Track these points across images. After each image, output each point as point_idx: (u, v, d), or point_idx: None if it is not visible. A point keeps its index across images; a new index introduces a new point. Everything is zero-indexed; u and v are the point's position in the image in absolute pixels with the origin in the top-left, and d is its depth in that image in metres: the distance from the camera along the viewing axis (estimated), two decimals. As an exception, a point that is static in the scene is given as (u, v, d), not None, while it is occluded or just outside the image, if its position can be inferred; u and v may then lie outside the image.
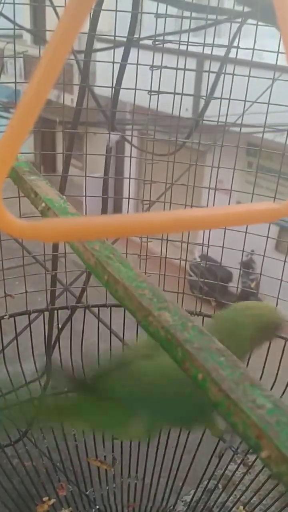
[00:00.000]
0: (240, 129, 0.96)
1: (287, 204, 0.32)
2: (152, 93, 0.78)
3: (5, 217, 0.24)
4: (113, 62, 0.78)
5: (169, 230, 0.29)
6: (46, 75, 0.23)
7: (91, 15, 0.96)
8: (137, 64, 0.78)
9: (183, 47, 0.87)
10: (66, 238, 0.31)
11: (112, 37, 0.93)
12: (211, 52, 0.92)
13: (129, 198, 1.03)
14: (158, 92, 0.78)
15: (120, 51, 1.01)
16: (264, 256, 0.95)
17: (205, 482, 0.94)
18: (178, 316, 0.43)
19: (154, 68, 0.76)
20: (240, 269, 1.33)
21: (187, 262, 1.03)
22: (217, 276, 1.09)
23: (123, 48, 1.00)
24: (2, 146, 0.23)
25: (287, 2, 0.24)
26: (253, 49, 0.84)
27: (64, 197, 0.65)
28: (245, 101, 0.88)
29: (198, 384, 0.38)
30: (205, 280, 1.13)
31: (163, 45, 0.93)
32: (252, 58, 0.84)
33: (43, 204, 0.61)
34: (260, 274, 1.00)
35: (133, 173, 1.01)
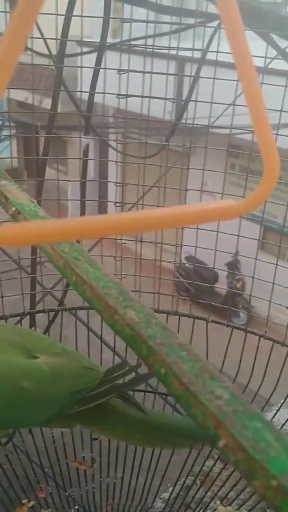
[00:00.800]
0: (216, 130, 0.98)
1: (245, 201, 0.33)
2: (120, 96, 0.79)
3: None
4: (81, 67, 0.79)
5: (123, 232, 0.30)
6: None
7: (64, 21, 0.97)
8: (105, 68, 0.79)
9: (164, 50, 0.89)
10: (26, 243, 0.32)
11: (87, 42, 0.95)
12: (192, 54, 0.93)
13: (104, 201, 1.05)
14: (127, 96, 0.79)
15: (93, 56, 1.02)
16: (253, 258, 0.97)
17: (183, 479, 0.96)
18: (143, 313, 0.44)
19: (121, 72, 0.77)
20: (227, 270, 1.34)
21: (174, 264, 1.05)
22: (203, 277, 1.10)
23: (96, 53, 1.02)
24: None
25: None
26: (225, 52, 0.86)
27: (35, 201, 0.66)
28: (225, 104, 0.90)
29: (161, 378, 0.39)
30: (189, 281, 1.14)
31: (145, 49, 0.94)
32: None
33: (13, 208, 0.62)
34: (255, 276, 1.01)
35: (116, 177, 1.02)
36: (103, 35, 0.97)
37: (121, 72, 0.77)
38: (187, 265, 3.57)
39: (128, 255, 1.02)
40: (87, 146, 0.93)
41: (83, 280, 0.50)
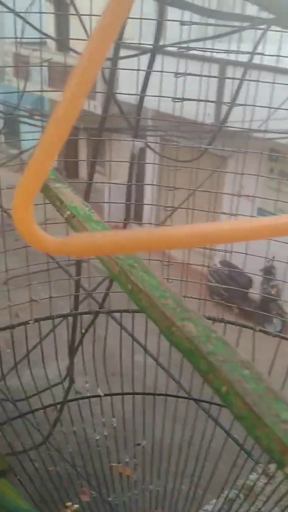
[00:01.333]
0: (264, 135, 0.95)
1: None
2: (176, 100, 0.78)
3: (37, 235, 0.25)
4: (138, 70, 0.78)
5: (195, 245, 0.29)
6: (79, 88, 0.23)
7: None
8: (162, 71, 0.78)
9: (206, 53, 0.87)
10: (94, 253, 0.32)
11: (138, 45, 0.94)
12: (235, 58, 0.91)
13: (152, 205, 1.04)
14: (183, 99, 0.78)
15: (142, 59, 1.01)
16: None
17: (226, 492, 0.94)
18: (202, 326, 0.43)
19: (178, 76, 0.76)
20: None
21: (208, 268, 1.03)
22: (237, 282, 1.08)
23: (146, 55, 1.01)
24: (34, 161, 0.24)
25: None
26: (278, 55, 0.83)
27: (88, 204, 0.65)
28: (269, 107, 0.88)
29: (222, 396, 0.38)
30: (224, 286, 1.12)
31: (187, 52, 0.93)
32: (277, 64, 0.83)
33: (68, 212, 0.62)
34: None
35: (154, 179, 1.01)
36: (157, 38, 0.96)
37: (178, 76, 0.75)
38: (222, 270, 3.52)
39: (161, 258, 1.01)
40: (139, 149, 0.92)
41: (138, 288, 0.49)
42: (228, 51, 0.87)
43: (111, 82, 0.95)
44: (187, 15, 0.84)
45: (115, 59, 0.91)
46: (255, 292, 5.05)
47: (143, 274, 0.51)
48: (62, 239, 0.26)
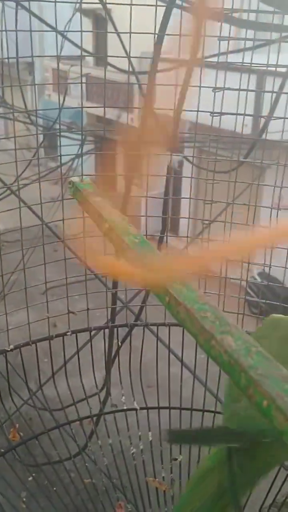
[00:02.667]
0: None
1: None
2: (215, 114, 0.78)
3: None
4: (176, 85, 0.79)
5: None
6: None
7: (155, 38, 0.98)
8: (200, 86, 0.79)
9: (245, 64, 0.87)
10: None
11: (175, 58, 0.95)
12: (275, 69, 0.91)
13: (189, 218, 1.04)
14: (221, 114, 0.78)
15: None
16: None
17: (266, 510, 0.91)
18: (242, 340, 0.42)
19: (216, 90, 0.77)
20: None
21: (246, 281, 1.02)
22: (278, 295, 1.06)
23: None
24: None
25: None
26: None
27: (126, 217, 0.66)
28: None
29: (262, 411, 0.37)
30: (263, 301, 1.10)
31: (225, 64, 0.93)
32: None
33: (106, 225, 0.63)
34: None
35: (191, 192, 1.01)
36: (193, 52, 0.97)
37: (217, 90, 0.76)
38: (259, 281, 3.47)
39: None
40: (178, 162, 0.92)
41: (176, 301, 0.49)
42: (264, 65, 0.87)
43: (149, 96, 0.96)
44: (225, 28, 0.85)
45: (152, 73, 0.92)
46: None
47: (181, 286, 0.51)
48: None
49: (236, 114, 0.78)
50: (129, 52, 1.11)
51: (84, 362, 1.05)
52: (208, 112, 0.76)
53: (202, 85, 0.76)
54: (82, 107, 0.87)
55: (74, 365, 1.05)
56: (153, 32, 0.81)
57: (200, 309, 0.47)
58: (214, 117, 0.85)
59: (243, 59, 0.83)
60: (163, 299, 0.52)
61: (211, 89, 0.76)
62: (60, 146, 0.95)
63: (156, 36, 0.81)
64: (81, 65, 0.91)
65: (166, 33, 0.82)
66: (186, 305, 0.48)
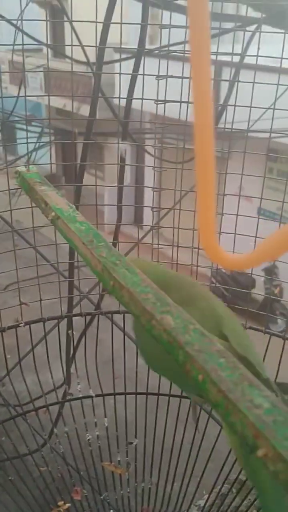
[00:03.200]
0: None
1: None
2: (159, 102, 0.79)
3: (224, 257, 0.29)
4: (120, 74, 0.80)
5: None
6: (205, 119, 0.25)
7: (103, 28, 0.98)
8: (143, 74, 0.80)
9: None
10: (260, 262, 0.35)
11: (125, 48, 0.96)
12: (231, 59, 0.92)
13: (141, 206, 1.05)
14: (165, 101, 0.79)
15: (131, 63, 1.03)
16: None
17: (219, 487, 0.94)
18: (180, 319, 0.44)
19: (160, 78, 0.78)
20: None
21: (210, 269, 1.03)
22: (239, 283, 1.09)
23: (134, 59, 1.03)
24: (201, 200, 0.28)
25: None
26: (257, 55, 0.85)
27: (73, 206, 0.66)
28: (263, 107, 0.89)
29: (198, 385, 0.39)
30: (222, 286, 1.13)
31: (176, 54, 0.94)
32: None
33: (53, 213, 0.63)
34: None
35: (152, 182, 1.02)
36: (141, 42, 0.98)
37: (160, 78, 0.77)
38: (223, 270, 3.53)
39: (163, 260, 1.02)
40: (125, 151, 0.93)
41: (120, 285, 0.50)
42: (217, 53, 0.88)
43: (96, 85, 0.96)
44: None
45: (99, 63, 0.93)
46: (257, 293, 5.05)
47: (125, 271, 0.52)
48: (245, 256, 0.33)
49: (180, 102, 0.79)
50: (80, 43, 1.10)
51: (51, 353, 1.03)
52: (152, 100, 0.77)
53: (145, 73, 0.77)
54: (49, 95, 0.86)
55: (40, 357, 1.04)
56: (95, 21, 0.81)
57: (142, 291, 0.48)
58: (173, 108, 0.86)
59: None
60: (108, 283, 0.53)
61: (155, 80, 0.77)
62: (16, 138, 0.94)
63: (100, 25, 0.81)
64: (47, 58, 0.89)
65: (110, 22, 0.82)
66: (129, 288, 0.49)
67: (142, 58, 1.04)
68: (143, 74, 0.79)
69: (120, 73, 0.79)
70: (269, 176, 0.99)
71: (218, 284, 1.16)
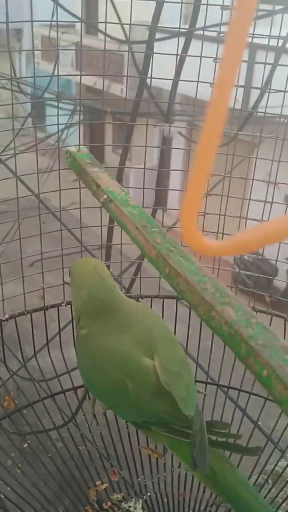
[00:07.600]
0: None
1: None
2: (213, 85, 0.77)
3: (204, 244, 0.31)
4: (177, 54, 0.78)
5: None
6: (221, 99, 0.25)
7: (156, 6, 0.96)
8: (201, 56, 0.78)
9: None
10: (247, 250, 0.35)
11: (174, 29, 0.93)
12: (268, 42, 0.90)
13: (178, 190, 1.04)
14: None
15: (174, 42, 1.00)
16: None
17: (255, 477, 0.94)
18: (242, 311, 0.43)
19: (217, 61, 0.75)
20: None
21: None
22: (262, 270, 1.07)
23: (178, 39, 1.00)
24: (192, 180, 0.27)
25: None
26: None
27: (125, 189, 0.65)
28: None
29: (262, 381, 0.38)
30: (245, 273, 1.11)
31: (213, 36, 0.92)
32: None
33: (105, 196, 0.62)
34: None
35: (181, 165, 1.00)
36: (192, 23, 0.95)
37: (217, 61, 0.74)
38: (245, 257, 3.49)
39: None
40: (172, 134, 0.91)
41: (177, 272, 0.49)
42: (256, 35, 0.85)
43: (146, 66, 0.94)
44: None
45: (151, 43, 0.91)
46: (280, 279, 4.98)
47: (180, 259, 0.51)
48: (223, 243, 0.33)
49: (237, 86, 0.77)
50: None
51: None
52: (209, 83, 0.75)
53: (203, 56, 0.74)
54: (81, 75, 0.85)
55: (63, 335, 1.04)
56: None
57: (200, 280, 0.47)
58: (204, 90, 0.84)
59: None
60: (163, 270, 0.52)
61: (212, 60, 0.75)
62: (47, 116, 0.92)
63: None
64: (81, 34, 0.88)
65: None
66: (186, 276, 0.48)
67: (190, 39, 1.01)
68: (201, 56, 0.77)
69: (165, 53, 0.76)
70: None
71: (241, 271, 1.14)
